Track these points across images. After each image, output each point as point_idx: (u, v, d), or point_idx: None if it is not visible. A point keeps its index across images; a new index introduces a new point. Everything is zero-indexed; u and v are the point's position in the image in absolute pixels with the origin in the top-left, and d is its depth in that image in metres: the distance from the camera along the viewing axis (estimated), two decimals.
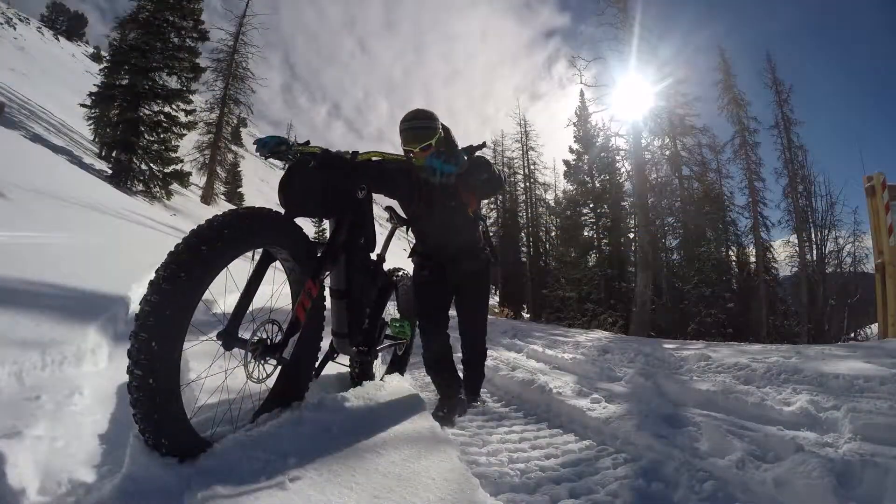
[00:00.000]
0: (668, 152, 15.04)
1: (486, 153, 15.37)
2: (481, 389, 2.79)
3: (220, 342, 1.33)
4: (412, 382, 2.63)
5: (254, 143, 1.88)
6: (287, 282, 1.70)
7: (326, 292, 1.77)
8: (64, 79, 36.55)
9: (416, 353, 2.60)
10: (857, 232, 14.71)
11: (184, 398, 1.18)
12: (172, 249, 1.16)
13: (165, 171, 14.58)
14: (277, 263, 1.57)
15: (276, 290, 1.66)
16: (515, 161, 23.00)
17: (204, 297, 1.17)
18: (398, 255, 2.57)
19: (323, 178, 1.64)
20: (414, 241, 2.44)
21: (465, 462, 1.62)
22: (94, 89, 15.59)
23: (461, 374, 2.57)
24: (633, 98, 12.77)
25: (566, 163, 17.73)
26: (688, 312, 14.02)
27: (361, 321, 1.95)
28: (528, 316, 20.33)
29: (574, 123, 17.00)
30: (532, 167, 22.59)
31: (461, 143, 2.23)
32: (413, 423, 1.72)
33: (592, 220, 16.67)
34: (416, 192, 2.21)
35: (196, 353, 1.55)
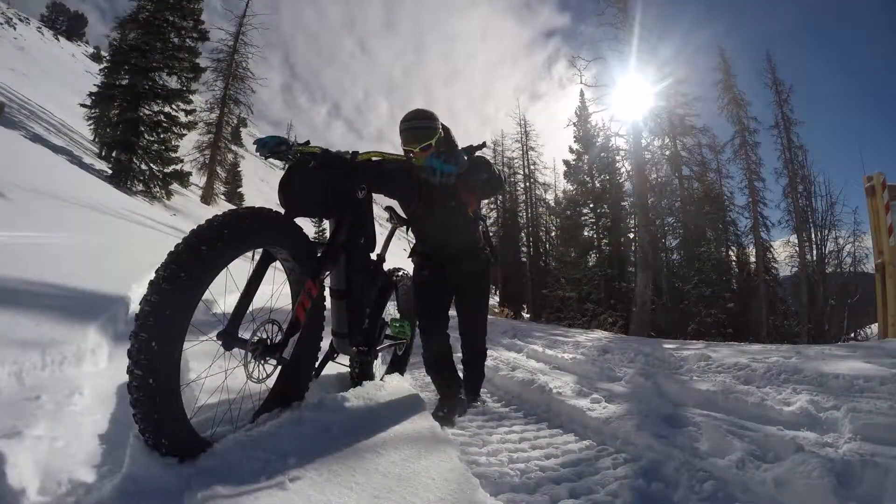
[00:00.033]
0: (668, 152, 15.04)
1: (486, 153, 15.37)
2: (481, 389, 2.79)
3: (220, 342, 1.33)
4: (412, 382, 2.63)
5: (254, 143, 1.88)
6: (287, 282, 1.70)
7: (326, 292, 1.78)
8: (64, 79, 36.55)
9: (416, 353, 2.60)
10: (857, 232, 14.73)
11: (184, 398, 1.18)
12: (172, 249, 1.16)
13: (165, 171, 14.58)
14: (277, 263, 1.57)
15: (276, 290, 1.66)
16: (515, 161, 23.02)
17: (204, 297, 1.17)
18: (398, 255, 2.57)
19: (323, 178, 1.64)
20: (414, 241, 2.44)
21: (465, 462, 1.62)
22: (94, 89, 15.59)
23: (461, 374, 2.57)
24: (633, 98, 12.79)
25: (566, 163, 17.74)
26: (688, 312, 14.02)
27: (361, 321, 1.95)
28: (528, 316, 20.33)
29: (574, 123, 17.01)
30: (532, 167, 22.61)
31: (461, 143, 2.23)
32: (413, 423, 1.72)
33: (592, 220, 16.67)
34: (416, 192, 2.21)
35: (196, 353, 1.55)
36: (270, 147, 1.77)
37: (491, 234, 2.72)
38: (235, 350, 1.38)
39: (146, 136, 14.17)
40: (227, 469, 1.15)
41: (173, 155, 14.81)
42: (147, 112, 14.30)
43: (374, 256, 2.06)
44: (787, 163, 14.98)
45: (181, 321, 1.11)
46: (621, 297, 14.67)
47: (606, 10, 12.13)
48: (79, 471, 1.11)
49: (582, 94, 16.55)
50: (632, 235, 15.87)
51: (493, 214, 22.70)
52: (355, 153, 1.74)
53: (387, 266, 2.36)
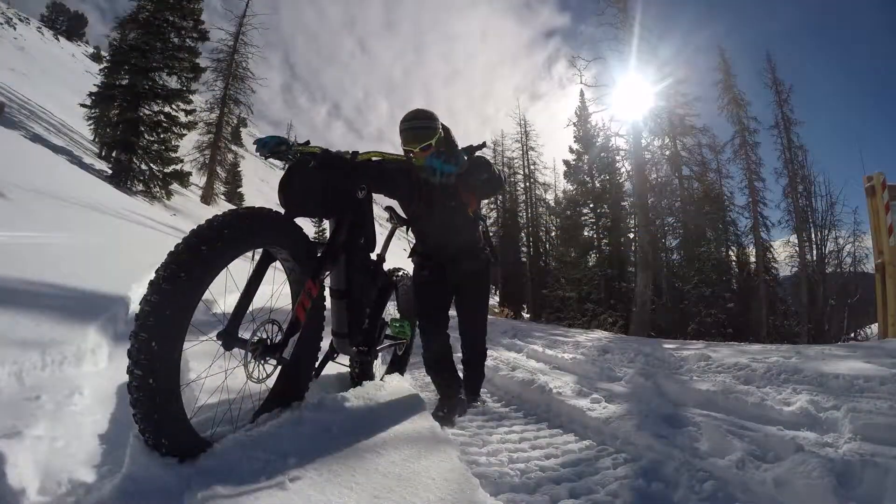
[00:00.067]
0: (668, 152, 15.04)
1: (486, 153, 15.37)
2: (481, 389, 2.79)
3: (220, 342, 1.33)
4: (412, 382, 2.63)
5: (254, 143, 1.88)
6: (287, 282, 1.70)
7: (326, 292, 1.78)
8: (64, 79, 36.55)
9: (416, 353, 2.60)
10: (857, 232, 14.73)
11: (184, 398, 1.18)
12: (172, 249, 1.16)
13: (165, 171, 14.58)
14: (277, 263, 1.57)
15: (276, 290, 1.66)
16: (515, 161, 23.02)
17: (204, 297, 1.17)
18: (398, 255, 2.57)
19: (323, 178, 1.64)
20: (414, 241, 2.44)
21: (465, 462, 1.62)
22: (94, 89, 15.59)
23: (461, 374, 2.57)
24: (633, 98, 12.78)
25: (566, 163, 17.74)
26: (688, 312, 14.02)
27: (361, 321, 1.95)
28: (528, 316, 20.33)
29: (574, 123, 17.01)
30: (532, 167, 22.61)
31: (461, 143, 2.23)
32: (413, 423, 1.72)
33: (592, 220, 16.67)
34: (416, 192, 2.21)
35: (196, 353, 1.55)
36: (270, 147, 1.77)
37: (491, 234, 2.73)
38: (235, 350, 1.38)
39: (146, 136, 14.17)
40: (227, 469, 1.14)
41: (173, 155, 14.81)
42: (147, 112, 14.30)
43: (374, 256, 2.06)
44: (787, 163, 14.99)
45: (181, 321, 1.11)
46: (621, 297, 14.67)
47: (606, 10, 12.15)
48: (79, 471, 1.11)
49: (582, 94, 16.58)
50: (632, 235, 15.87)
51: (493, 214, 22.70)
52: (355, 153, 1.74)
53: (387, 266, 2.36)
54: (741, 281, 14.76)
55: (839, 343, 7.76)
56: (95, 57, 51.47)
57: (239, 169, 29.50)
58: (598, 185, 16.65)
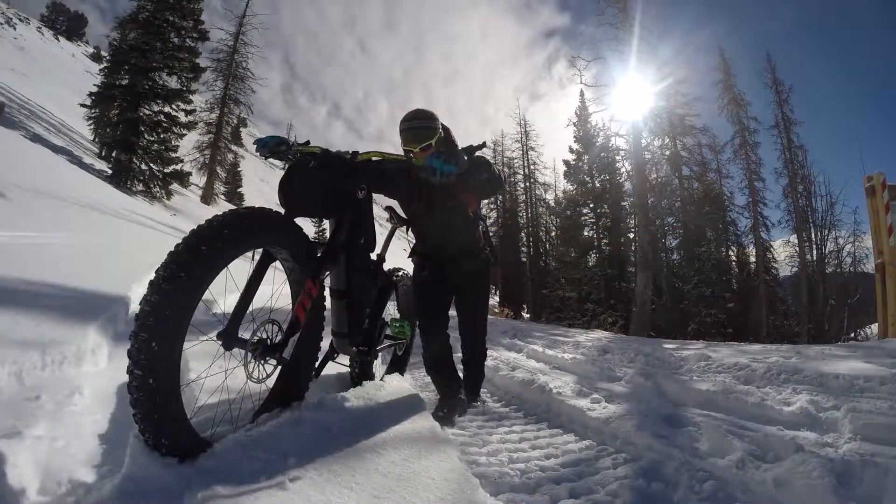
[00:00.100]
0: (668, 152, 15.04)
1: (486, 153, 15.36)
2: (481, 389, 2.79)
3: (220, 342, 1.33)
4: (412, 382, 2.63)
5: (253, 143, 1.88)
6: (287, 282, 1.70)
7: (326, 292, 1.77)
8: (64, 79, 36.55)
9: (416, 353, 2.60)
10: (857, 232, 14.73)
11: (184, 398, 1.17)
12: (172, 249, 1.16)
13: (165, 171, 14.58)
14: (278, 263, 1.57)
15: (276, 290, 1.66)
16: (515, 161, 23.02)
17: (204, 297, 1.17)
18: (398, 255, 2.57)
19: (323, 178, 1.64)
20: (414, 242, 2.44)
21: (465, 462, 1.62)
22: (94, 89, 15.59)
23: (461, 374, 2.57)
24: (633, 98, 12.79)
25: (566, 163, 17.74)
26: (688, 312, 14.02)
27: (361, 321, 1.95)
28: (528, 316, 20.32)
29: (574, 123, 17.01)
30: (532, 167, 22.61)
31: (461, 144, 2.23)
32: (413, 423, 1.72)
33: (592, 220, 16.67)
34: (415, 193, 2.21)
35: (196, 354, 1.55)
36: (270, 147, 1.77)
37: (491, 234, 2.73)
38: (236, 350, 1.37)
39: (146, 136, 14.17)
40: (227, 469, 1.14)
41: (173, 155, 14.81)
42: (147, 112, 14.30)
43: (374, 256, 2.06)
44: (787, 163, 14.99)
45: (181, 321, 1.11)
46: (621, 297, 14.67)
47: (606, 10, 12.14)
48: (79, 471, 1.11)
49: (582, 94, 16.58)
50: (632, 235, 15.87)
51: (493, 214, 22.70)
52: (355, 153, 1.74)
53: (387, 266, 2.36)
54: (741, 281, 14.76)
55: (839, 343, 7.76)
56: (95, 57, 51.48)
57: (239, 169, 29.51)
58: (598, 185, 16.65)
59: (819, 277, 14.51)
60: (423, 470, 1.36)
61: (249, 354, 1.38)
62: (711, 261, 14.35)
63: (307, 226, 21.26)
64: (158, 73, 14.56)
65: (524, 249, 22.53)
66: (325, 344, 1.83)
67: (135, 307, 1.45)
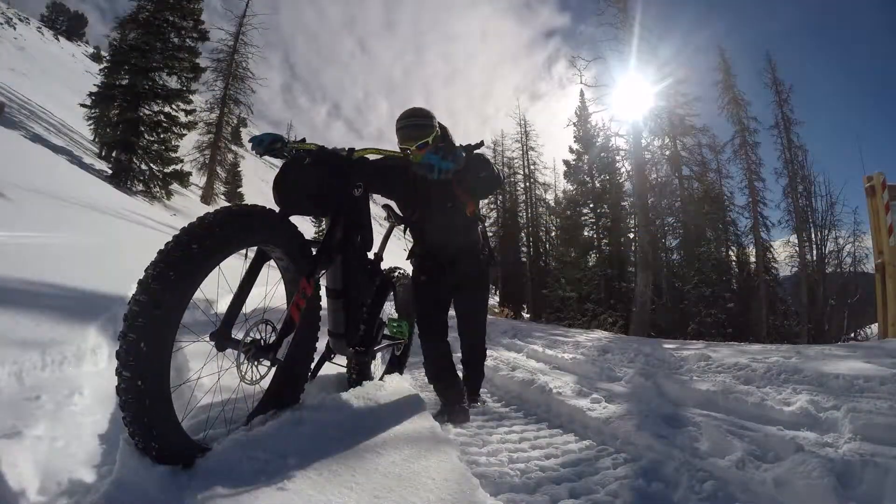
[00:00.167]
0: (668, 152, 15.04)
1: (486, 153, 15.35)
2: (481, 389, 2.79)
3: (212, 343, 1.31)
4: (412, 382, 2.63)
5: (249, 142, 1.86)
6: (281, 281, 1.67)
7: (322, 292, 1.76)
8: (64, 79, 36.54)
9: (416, 353, 2.60)
10: (857, 232, 14.75)
11: (177, 401, 1.16)
12: (162, 248, 1.13)
13: (165, 171, 14.59)
14: (272, 262, 1.55)
15: (270, 290, 1.64)
16: (515, 161, 23.01)
17: (196, 296, 1.15)
18: (398, 255, 2.57)
19: (318, 175, 1.62)
20: (412, 242, 2.43)
21: (465, 462, 1.62)
22: (94, 89, 15.58)
23: (461, 374, 2.56)
24: (633, 98, 12.78)
25: (566, 163, 17.73)
26: (688, 312, 14.02)
27: (358, 321, 1.93)
28: (528, 316, 20.32)
29: (574, 123, 17.01)
30: (532, 167, 22.60)
31: (460, 143, 2.22)
32: (413, 423, 1.72)
33: (592, 220, 16.67)
34: (412, 194, 2.20)
35: (196, 354, 1.55)
36: (266, 144, 1.76)
37: (490, 234, 2.72)
38: (230, 351, 1.35)
39: (146, 136, 14.18)
40: (226, 469, 1.14)
41: (173, 155, 14.82)
42: (147, 112, 14.31)
43: (371, 255, 2.05)
44: (787, 163, 15.00)
45: (171, 321, 1.08)
46: (621, 297, 14.66)
47: (606, 10, 12.14)
48: (79, 471, 1.11)
49: (582, 94, 16.57)
50: (632, 235, 15.87)
51: (493, 214, 22.70)
52: (351, 150, 1.73)
53: (384, 265, 2.35)
54: (741, 281, 14.76)
55: (839, 343, 7.76)
56: (95, 57, 51.45)
57: (239, 169, 29.50)
58: (598, 185, 16.65)
59: (819, 277, 14.52)
60: (423, 470, 1.36)
61: (242, 355, 1.35)
62: (711, 261, 14.35)
63: (307, 225, 21.26)
64: (158, 73, 14.57)
65: (524, 249, 22.52)
66: (321, 345, 1.81)
67: None
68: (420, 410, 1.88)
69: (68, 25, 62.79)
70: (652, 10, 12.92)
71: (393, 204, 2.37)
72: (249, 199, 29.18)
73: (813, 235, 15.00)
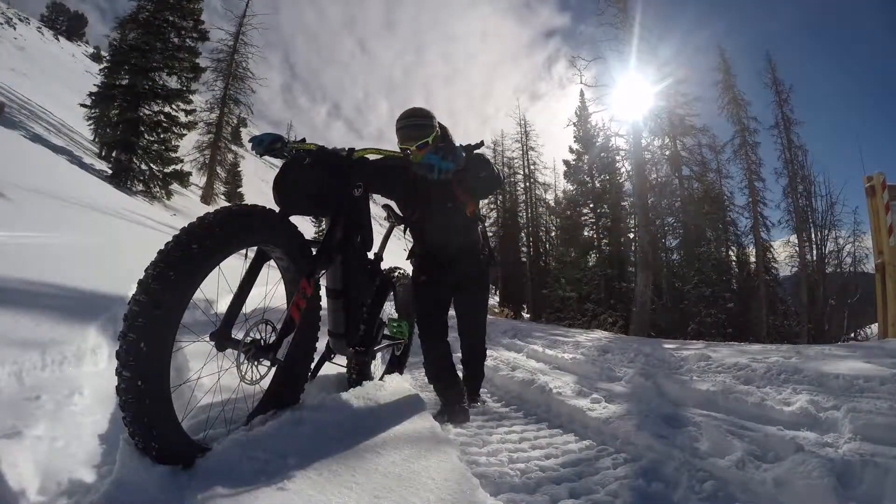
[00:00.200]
0: (668, 152, 15.04)
1: (486, 152, 15.35)
2: (481, 389, 2.79)
3: (212, 343, 1.31)
4: (412, 382, 2.63)
5: (248, 142, 1.86)
6: (281, 281, 1.67)
7: (322, 292, 1.76)
8: (64, 79, 36.55)
9: (416, 353, 2.60)
10: (857, 232, 14.75)
11: (177, 401, 1.16)
12: (162, 248, 1.13)
13: (165, 171, 14.60)
14: (273, 262, 1.55)
15: (270, 290, 1.64)
16: (515, 161, 23.01)
17: (196, 296, 1.15)
18: (398, 255, 2.57)
19: (318, 175, 1.62)
20: (412, 243, 2.43)
21: (465, 462, 1.62)
22: (94, 89, 15.60)
23: (461, 374, 2.56)
24: (633, 98, 12.78)
25: (566, 163, 17.74)
26: (688, 312, 14.02)
27: (358, 321, 1.93)
28: (528, 316, 20.32)
29: (574, 123, 17.02)
30: (532, 167, 22.60)
31: (460, 144, 2.22)
32: (413, 423, 1.72)
33: (592, 220, 16.67)
34: (412, 192, 2.20)
35: (196, 354, 1.55)
36: (266, 145, 1.76)
37: (490, 234, 2.73)
38: (229, 351, 1.35)
39: (146, 136, 14.19)
40: (226, 469, 1.14)
41: (173, 155, 14.83)
42: (147, 112, 14.32)
43: (371, 255, 2.05)
44: (787, 163, 15.00)
45: (171, 321, 1.08)
46: (621, 297, 14.67)
47: (606, 10, 12.14)
48: (79, 471, 1.11)
49: (582, 94, 16.59)
50: (632, 235, 15.88)
51: (493, 214, 22.69)
52: (351, 150, 1.73)
53: (384, 265, 2.35)
54: (741, 281, 14.77)
55: (839, 343, 7.76)
56: (95, 57, 51.46)
57: (239, 169, 29.50)
58: (598, 185, 16.65)
59: (819, 277, 14.52)
60: (423, 470, 1.36)
61: (242, 355, 1.35)
62: (711, 261, 14.36)
63: (307, 225, 21.26)
64: (158, 73, 14.59)
65: (524, 249, 22.52)
66: (321, 345, 1.81)
67: None
68: (420, 410, 1.88)
69: (68, 25, 62.82)
70: (652, 10, 12.94)
71: (393, 204, 2.37)
72: (249, 199, 29.17)
73: (813, 235, 15.01)
